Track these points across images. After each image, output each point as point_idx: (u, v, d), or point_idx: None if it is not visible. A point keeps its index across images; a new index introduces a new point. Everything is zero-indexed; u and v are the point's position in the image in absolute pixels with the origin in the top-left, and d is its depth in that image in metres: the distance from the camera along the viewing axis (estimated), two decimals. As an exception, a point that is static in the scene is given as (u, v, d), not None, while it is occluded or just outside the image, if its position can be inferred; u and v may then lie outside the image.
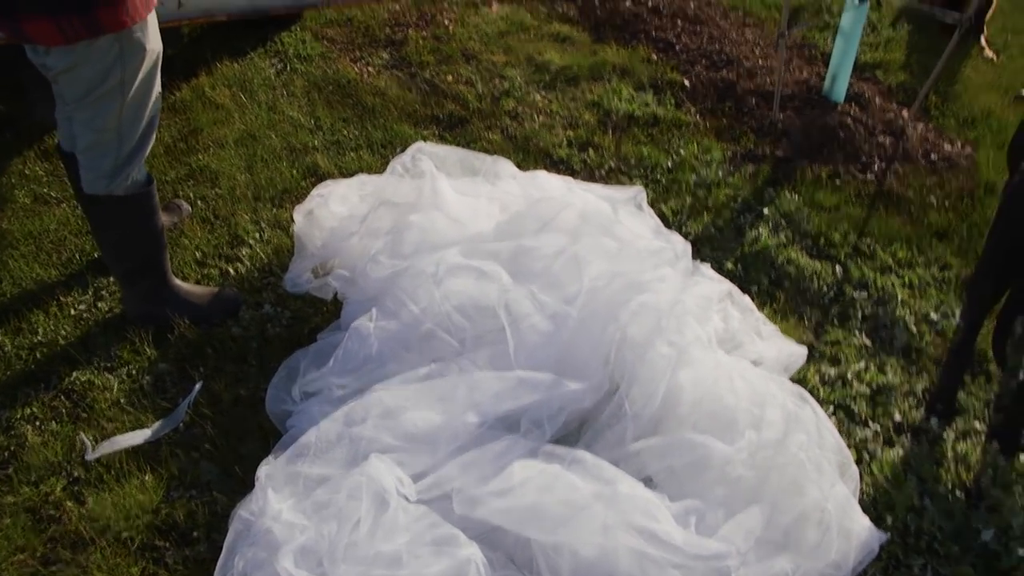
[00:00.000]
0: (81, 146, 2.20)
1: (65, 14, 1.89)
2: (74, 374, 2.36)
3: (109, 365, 2.40)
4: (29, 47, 2.06)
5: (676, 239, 2.56)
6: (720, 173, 3.38)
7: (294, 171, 3.21)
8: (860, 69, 4.12)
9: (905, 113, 3.82)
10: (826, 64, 3.97)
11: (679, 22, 4.59)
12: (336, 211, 2.58)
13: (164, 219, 2.69)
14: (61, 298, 2.61)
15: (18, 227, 2.88)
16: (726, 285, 2.50)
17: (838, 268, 2.96)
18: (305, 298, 2.58)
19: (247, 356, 2.43)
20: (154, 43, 2.12)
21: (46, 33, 1.92)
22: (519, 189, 2.61)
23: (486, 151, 3.01)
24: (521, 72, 4.03)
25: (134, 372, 2.38)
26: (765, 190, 3.31)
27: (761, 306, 2.67)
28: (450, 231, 2.41)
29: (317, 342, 2.33)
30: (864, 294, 2.85)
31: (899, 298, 2.84)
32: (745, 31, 4.60)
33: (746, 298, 2.52)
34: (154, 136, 2.29)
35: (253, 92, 3.69)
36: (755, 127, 3.71)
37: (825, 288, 2.86)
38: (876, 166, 3.50)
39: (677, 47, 4.34)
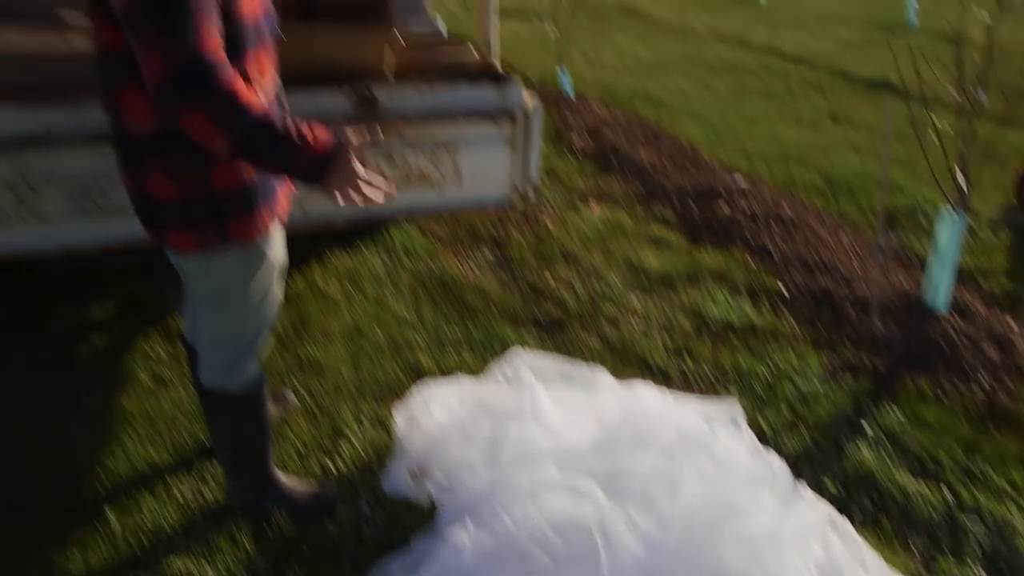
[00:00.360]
0: (201, 341, 2.35)
1: (203, 227, 2.06)
2: (174, 560, 2.42)
3: (207, 554, 2.45)
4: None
5: (773, 459, 2.52)
6: (818, 385, 3.34)
7: (397, 367, 3.33)
8: (961, 275, 4.08)
9: (1012, 322, 3.73)
10: (924, 270, 3.96)
11: (774, 226, 4.68)
12: (437, 417, 2.66)
13: (272, 410, 2.81)
14: (169, 480, 2.71)
15: (137, 406, 3.05)
16: (826, 509, 2.43)
17: (947, 491, 2.82)
18: (402, 500, 2.61)
19: (341, 557, 2.45)
20: (278, 254, 2.26)
21: (185, 243, 2.09)
22: (616, 401, 2.65)
23: (584, 357, 3.08)
24: (619, 274, 4.16)
25: (231, 564, 2.43)
26: (865, 404, 3.25)
27: (863, 530, 2.57)
28: (546, 442, 2.45)
29: (411, 549, 2.34)
30: (978, 522, 2.70)
31: (1019, 528, 2.68)
32: (840, 235, 4.65)
33: (848, 524, 2.43)
34: (269, 336, 2.42)
35: (361, 285, 3.91)
36: (853, 336, 3.68)
37: (934, 514, 2.73)
38: (983, 380, 3.40)
39: (773, 252, 4.41)
